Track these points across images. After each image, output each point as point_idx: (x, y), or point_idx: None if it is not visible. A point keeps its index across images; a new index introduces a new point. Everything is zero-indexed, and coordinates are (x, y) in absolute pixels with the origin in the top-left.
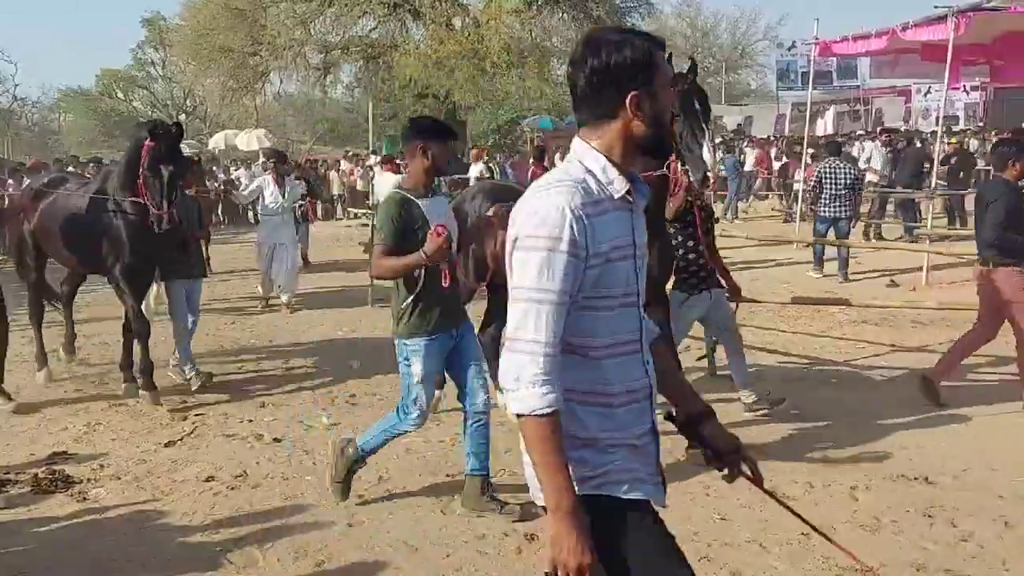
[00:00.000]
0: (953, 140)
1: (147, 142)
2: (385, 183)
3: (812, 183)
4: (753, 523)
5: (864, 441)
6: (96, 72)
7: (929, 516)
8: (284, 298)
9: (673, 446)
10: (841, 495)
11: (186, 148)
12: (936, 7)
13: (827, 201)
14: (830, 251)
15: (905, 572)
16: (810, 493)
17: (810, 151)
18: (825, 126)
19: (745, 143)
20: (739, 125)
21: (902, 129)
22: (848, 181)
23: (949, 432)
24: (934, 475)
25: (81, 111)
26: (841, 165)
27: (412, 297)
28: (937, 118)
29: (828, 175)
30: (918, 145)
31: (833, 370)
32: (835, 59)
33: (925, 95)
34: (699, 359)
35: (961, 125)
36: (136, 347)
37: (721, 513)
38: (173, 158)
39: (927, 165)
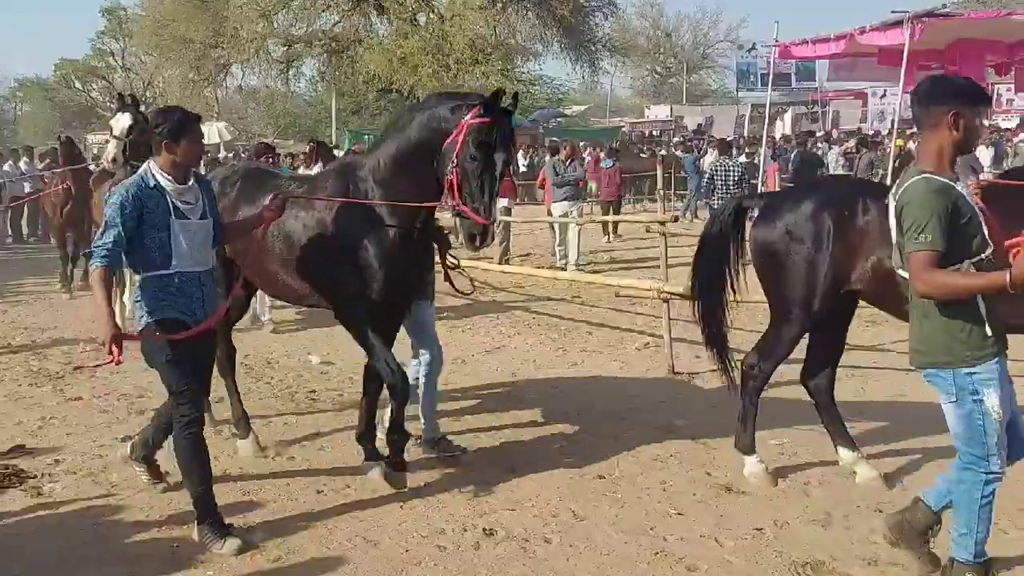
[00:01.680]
0: (900, 143)
1: (469, 118)
2: None
3: (706, 179)
4: (709, 518)
5: (817, 437)
6: (54, 62)
7: (880, 511)
8: (265, 318)
9: (639, 442)
10: (794, 490)
11: None
12: (893, 12)
13: (721, 195)
14: None
15: (856, 566)
16: (764, 488)
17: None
18: (784, 127)
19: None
20: (700, 125)
21: (862, 131)
22: (736, 177)
23: (900, 428)
24: (885, 471)
25: (38, 101)
26: (731, 163)
27: (976, 307)
28: (893, 121)
29: (719, 172)
30: (820, 150)
31: (791, 368)
32: (794, 62)
33: (881, 98)
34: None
35: (916, 128)
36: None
37: (677, 508)
38: (509, 142)
39: (821, 170)
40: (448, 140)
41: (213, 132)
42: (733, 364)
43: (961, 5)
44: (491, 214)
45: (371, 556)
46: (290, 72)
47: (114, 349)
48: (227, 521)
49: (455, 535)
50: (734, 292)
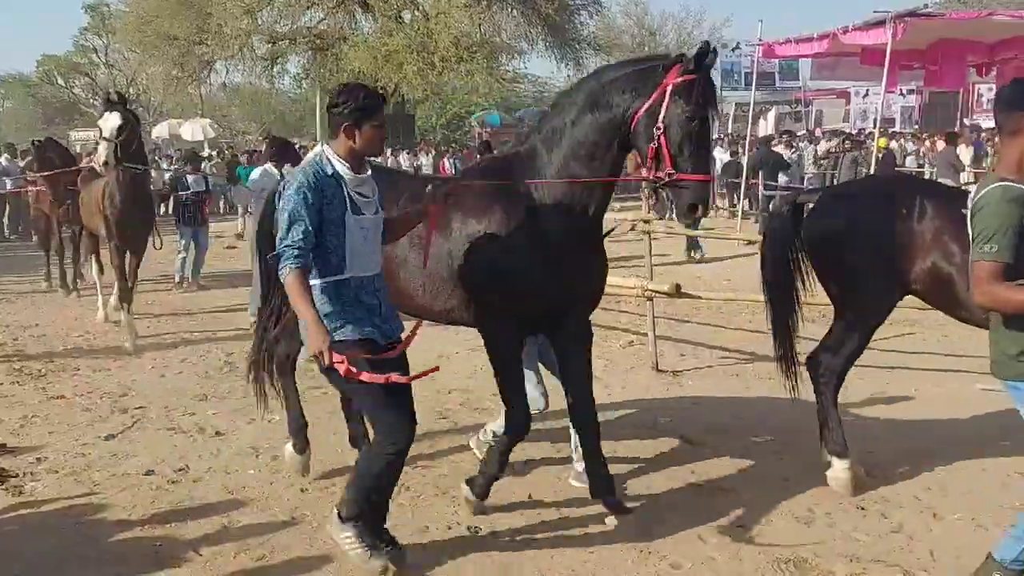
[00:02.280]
0: (883, 142)
1: (673, 77)
2: None
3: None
4: (692, 516)
5: (800, 434)
6: (36, 58)
7: (861, 508)
8: None
9: (623, 439)
10: (777, 488)
11: None
12: (875, 11)
13: None
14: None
15: (837, 562)
16: (749, 486)
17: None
18: (767, 126)
19: None
20: None
21: (843, 131)
22: None
23: (880, 426)
24: (866, 468)
25: (20, 98)
26: None
27: None
28: (875, 120)
29: None
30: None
31: (771, 366)
32: (777, 61)
33: (864, 98)
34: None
35: (897, 128)
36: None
37: (661, 505)
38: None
39: (786, 172)
40: (644, 107)
41: (197, 129)
42: (798, 367)
43: (943, 5)
44: (711, 172)
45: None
46: (274, 69)
47: (335, 358)
48: (207, 522)
49: (439, 533)
50: (804, 290)
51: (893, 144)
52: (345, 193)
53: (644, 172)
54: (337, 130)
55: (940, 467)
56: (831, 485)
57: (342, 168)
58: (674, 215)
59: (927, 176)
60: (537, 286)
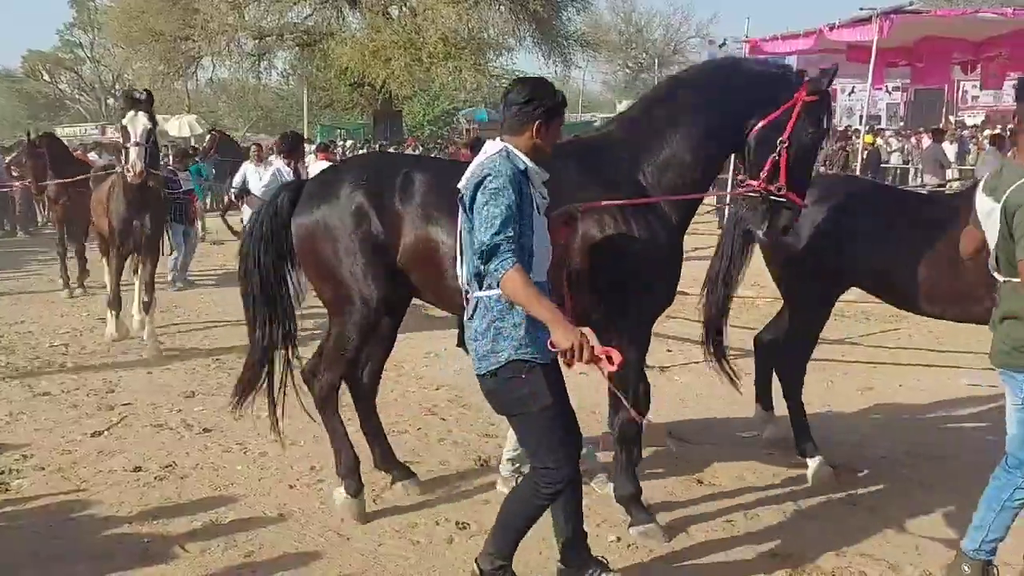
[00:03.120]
0: (869, 139)
1: (804, 93)
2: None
3: None
4: (680, 510)
5: (788, 429)
6: (22, 53)
7: (852, 504)
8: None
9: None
10: (764, 482)
11: None
12: (862, 8)
13: None
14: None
15: (825, 556)
16: (736, 481)
17: None
18: None
19: None
20: None
21: (837, 128)
22: None
23: (866, 422)
24: (856, 464)
25: (5, 93)
26: None
27: None
28: (861, 117)
29: None
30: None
31: None
32: (764, 58)
33: (849, 95)
34: None
35: (883, 124)
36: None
37: (648, 500)
38: None
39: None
40: (771, 116)
41: (184, 125)
42: (727, 358)
43: (929, 2)
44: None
45: (344, 551)
46: (261, 65)
47: (596, 349)
48: (194, 518)
49: (428, 528)
50: (733, 285)
51: (878, 141)
52: (531, 192)
53: (754, 181)
54: (524, 126)
55: (926, 462)
56: (811, 481)
57: (532, 164)
58: (760, 226)
59: (912, 173)
60: (674, 283)
